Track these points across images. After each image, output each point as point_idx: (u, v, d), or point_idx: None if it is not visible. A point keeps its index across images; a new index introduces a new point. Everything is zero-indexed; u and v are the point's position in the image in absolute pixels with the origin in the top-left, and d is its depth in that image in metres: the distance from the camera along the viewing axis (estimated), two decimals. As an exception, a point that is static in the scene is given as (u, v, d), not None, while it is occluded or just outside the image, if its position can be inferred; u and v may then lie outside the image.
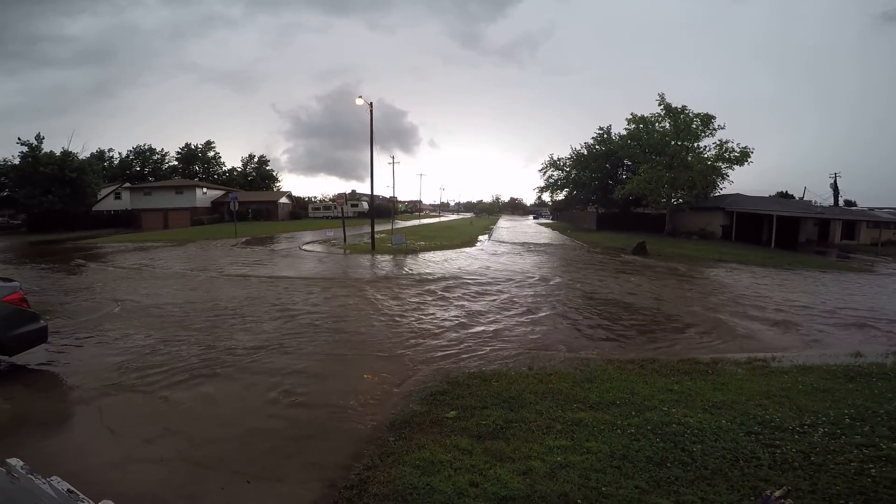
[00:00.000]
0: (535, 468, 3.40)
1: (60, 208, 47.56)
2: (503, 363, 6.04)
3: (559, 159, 46.63)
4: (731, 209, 32.27)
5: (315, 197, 78.68)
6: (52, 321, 7.45)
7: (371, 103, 22.12)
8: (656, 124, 34.39)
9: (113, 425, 4.45)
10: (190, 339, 7.42)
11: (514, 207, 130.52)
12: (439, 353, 6.60)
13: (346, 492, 3.22)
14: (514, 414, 4.31)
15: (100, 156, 67.40)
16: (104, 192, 55.95)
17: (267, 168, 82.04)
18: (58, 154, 48.26)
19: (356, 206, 64.30)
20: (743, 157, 31.86)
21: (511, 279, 13.47)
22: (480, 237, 31.61)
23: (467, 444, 3.76)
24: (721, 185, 34.39)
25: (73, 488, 1.26)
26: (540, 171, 47.91)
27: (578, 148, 45.09)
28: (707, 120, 32.43)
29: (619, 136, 40.40)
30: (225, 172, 78.27)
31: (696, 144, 33.38)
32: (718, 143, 32.58)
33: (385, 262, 17.70)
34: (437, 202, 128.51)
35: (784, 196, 49.94)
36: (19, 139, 48.14)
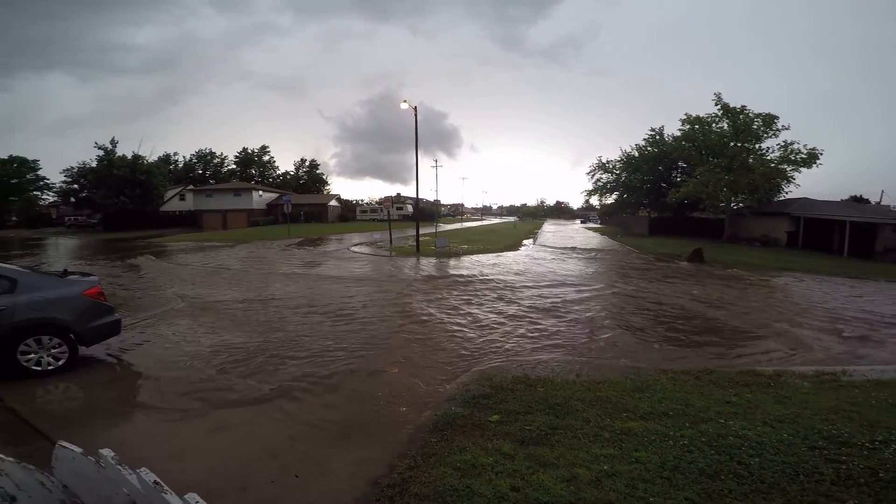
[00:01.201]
0: (579, 476, 3.32)
1: (131, 208, 51.45)
2: (549, 369, 5.93)
3: (608, 161, 45.28)
4: (797, 214, 30.14)
5: (362, 200, 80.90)
6: (122, 315, 8.04)
7: (415, 107, 22.31)
8: (713, 125, 32.67)
9: (174, 416, 4.74)
10: (248, 333, 7.83)
11: (560, 211, 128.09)
12: (482, 357, 6.59)
13: (388, 490, 3.27)
14: (560, 421, 4.23)
15: (166, 159, 72.30)
16: (170, 193, 60.01)
17: (317, 172, 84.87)
18: (129, 157, 52.31)
19: (401, 208, 65.44)
20: (810, 158, 29.68)
21: (557, 284, 13.24)
22: (525, 241, 31.26)
23: (510, 449, 3.73)
24: (786, 189, 32.25)
25: (159, 480, 1.28)
26: (587, 173, 46.74)
27: (629, 150, 43.57)
28: (769, 120, 30.48)
29: (673, 138, 38.70)
30: (279, 176, 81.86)
31: (757, 146, 31.45)
32: (783, 144, 30.54)
33: (429, 265, 17.89)
34: (480, 206, 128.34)
35: (858, 200, 46.06)
36: (96, 143, 52.64)
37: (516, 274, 15.35)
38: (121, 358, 6.62)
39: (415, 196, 26.62)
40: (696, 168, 33.01)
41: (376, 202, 74.47)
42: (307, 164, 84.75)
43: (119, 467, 1.39)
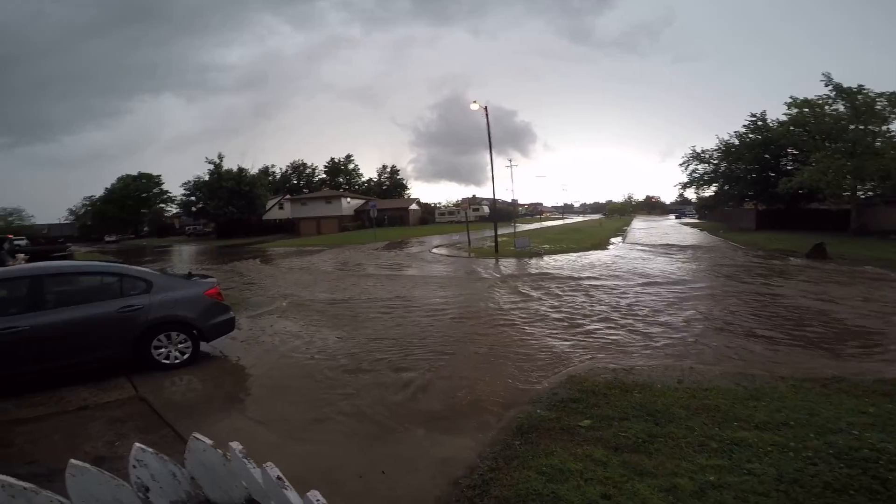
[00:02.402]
0: (680, 486, 3.08)
1: (239, 217, 57.22)
2: (646, 374, 5.54)
3: (703, 151, 41.49)
4: (947, 201, 25.47)
5: (439, 203, 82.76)
6: (235, 313, 8.89)
7: (486, 107, 22.41)
8: (825, 107, 28.75)
9: (276, 408, 5.07)
10: (344, 330, 8.32)
11: (651, 206, 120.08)
12: (571, 359, 6.34)
13: (468, 491, 3.25)
14: (660, 428, 3.95)
15: (265, 171, 79.50)
16: (270, 203, 65.81)
17: (398, 177, 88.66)
18: (234, 171, 58.24)
19: (477, 209, 65.71)
20: (954, 138, 24.96)
21: (653, 283, 12.39)
22: (613, 239, 29.73)
23: (602, 455, 3.54)
24: (927, 174, 27.41)
25: (281, 476, 1.30)
26: (680, 165, 43.16)
27: (727, 138, 39.71)
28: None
29: (778, 123, 34.69)
30: (363, 182, 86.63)
31: (884, 128, 27.12)
32: (919, 124, 26.04)
33: (509, 265, 17.70)
34: (560, 204, 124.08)
35: None
36: (206, 158, 59.34)
37: (605, 273, 14.62)
38: (233, 353, 7.26)
39: (490, 197, 26.57)
40: (811, 154, 29.25)
41: (453, 205, 75.81)
42: (388, 170, 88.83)
43: (245, 461, 1.45)
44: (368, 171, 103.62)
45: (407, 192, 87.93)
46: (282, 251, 30.73)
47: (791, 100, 30.53)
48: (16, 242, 25.78)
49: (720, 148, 40.00)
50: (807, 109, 29.77)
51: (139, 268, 6.91)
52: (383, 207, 61.73)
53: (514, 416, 4.49)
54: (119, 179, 76.24)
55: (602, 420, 4.19)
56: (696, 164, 42.04)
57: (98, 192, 79.51)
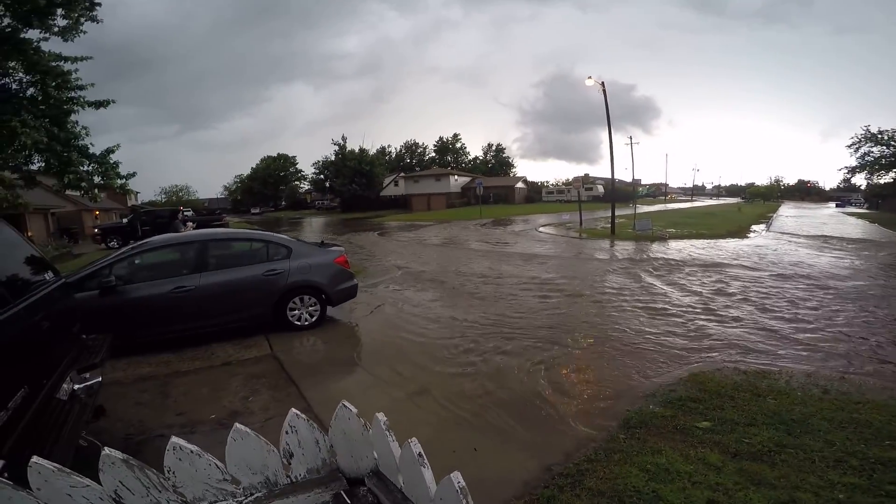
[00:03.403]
0: (800, 500, 2.77)
1: (360, 194, 61.93)
2: (783, 380, 4.87)
3: (881, 132, 34.65)
4: None
5: (546, 181, 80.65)
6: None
7: (602, 83, 21.53)
8: None
9: (385, 376, 5.34)
10: (453, 303, 8.61)
11: (805, 192, 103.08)
12: (694, 356, 5.80)
13: (560, 479, 3.19)
14: (792, 439, 3.53)
15: (382, 151, 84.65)
16: (386, 181, 69.96)
17: (503, 155, 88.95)
18: (357, 151, 63.13)
19: (590, 189, 62.65)
20: None
21: (803, 278, 10.64)
22: (754, 227, 26.07)
23: (717, 460, 3.28)
24: None
25: (422, 453, 1.28)
26: (849, 146, 36.68)
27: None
28: None
29: None
30: (469, 161, 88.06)
31: None
32: None
33: (628, 249, 16.60)
34: (689, 185, 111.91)
35: None
36: (332, 140, 65.30)
37: (743, 264, 12.91)
38: (351, 318, 7.85)
39: (605, 176, 25.56)
40: None
41: (562, 183, 72.96)
42: (493, 148, 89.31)
43: (387, 433, 1.42)
44: (474, 149, 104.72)
45: (513, 170, 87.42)
46: (396, 225, 32.68)
47: None
48: (185, 213, 31.19)
49: (906, 125, 32.89)
50: None
51: (281, 235, 7.62)
52: (489, 185, 61.91)
53: (622, 408, 4.29)
54: (262, 160, 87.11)
55: (724, 423, 3.85)
56: (871, 147, 35.28)
57: (245, 170, 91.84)
